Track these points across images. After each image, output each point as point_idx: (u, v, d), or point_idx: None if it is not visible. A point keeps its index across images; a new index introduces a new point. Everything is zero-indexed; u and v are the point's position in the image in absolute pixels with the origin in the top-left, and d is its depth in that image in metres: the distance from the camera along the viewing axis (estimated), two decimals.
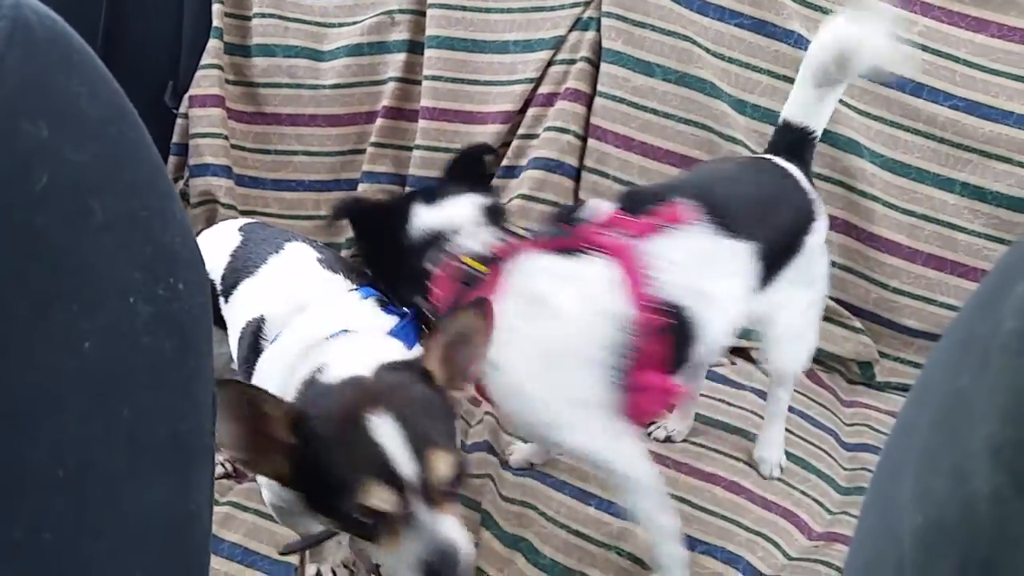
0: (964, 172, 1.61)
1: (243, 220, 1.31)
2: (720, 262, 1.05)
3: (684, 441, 1.42)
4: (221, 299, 1.13)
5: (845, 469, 1.44)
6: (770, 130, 1.71)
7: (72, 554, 0.41)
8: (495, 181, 1.84)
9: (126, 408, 0.44)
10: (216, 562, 1.18)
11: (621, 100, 1.73)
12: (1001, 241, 1.60)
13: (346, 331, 0.93)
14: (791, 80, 1.68)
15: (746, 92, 1.69)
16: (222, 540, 1.22)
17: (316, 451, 0.76)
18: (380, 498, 0.74)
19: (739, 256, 1.06)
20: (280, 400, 0.79)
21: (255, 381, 0.97)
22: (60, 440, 0.41)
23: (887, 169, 1.64)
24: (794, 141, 1.24)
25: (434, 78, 1.86)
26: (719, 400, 1.51)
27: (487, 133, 1.83)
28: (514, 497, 1.30)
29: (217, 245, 1.17)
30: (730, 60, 1.69)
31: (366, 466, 0.74)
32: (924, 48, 1.60)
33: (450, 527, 0.76)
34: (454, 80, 1.86)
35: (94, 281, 0.42)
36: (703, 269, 1.02)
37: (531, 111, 1.83)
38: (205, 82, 1.91)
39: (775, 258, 1.12)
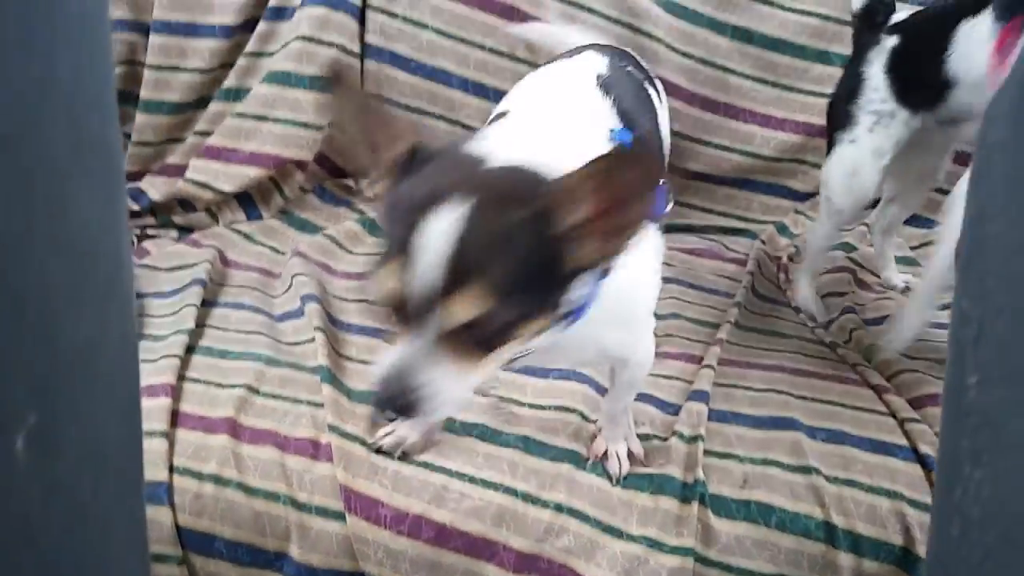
0: (734, 16, 1.71)
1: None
2: None
3: None
4: None
5: None
6: None
7: None
8: (215, 104, 1.64)
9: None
10: None
11: None
12: (764, 82, 1.74)
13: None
14: None
15: None
16: None
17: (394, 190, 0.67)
18: (388, 282, 0.62)
19: None
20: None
21: None
22: None
23: (669, 11, 1.69)
24: None
25: None
26: None
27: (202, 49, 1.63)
28: None
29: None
30: None
31: (399, 244, 0.61)
32: None
33: (436, 373, 0.62)
34: None
35: None
36: None
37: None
38: None
39: None
